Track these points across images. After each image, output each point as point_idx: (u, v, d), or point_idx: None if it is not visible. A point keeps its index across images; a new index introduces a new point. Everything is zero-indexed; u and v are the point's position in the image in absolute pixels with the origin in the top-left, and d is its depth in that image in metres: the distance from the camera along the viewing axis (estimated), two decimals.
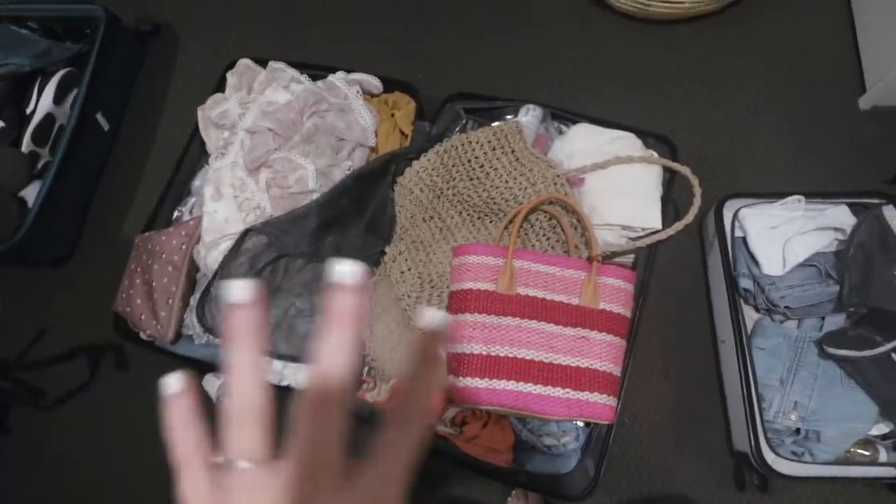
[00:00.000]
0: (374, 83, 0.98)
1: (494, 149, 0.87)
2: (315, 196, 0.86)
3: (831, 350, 0.78)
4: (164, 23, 1.35)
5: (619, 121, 0.91)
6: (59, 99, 1.10)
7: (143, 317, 0.90)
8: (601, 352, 0.74)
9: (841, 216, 0.88)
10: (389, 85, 1.00)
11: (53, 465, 1.04)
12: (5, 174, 1.07)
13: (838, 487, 0.82)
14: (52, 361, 1.07)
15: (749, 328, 0.86)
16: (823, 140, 1.02)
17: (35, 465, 1.05)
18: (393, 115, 0.97)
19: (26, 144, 1.08)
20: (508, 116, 0.93)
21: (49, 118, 1.10)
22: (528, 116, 0.91)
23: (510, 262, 0.75)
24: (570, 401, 0.71)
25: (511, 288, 0.74)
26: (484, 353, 0.72)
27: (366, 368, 0.85)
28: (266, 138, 0.87)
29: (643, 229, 0.83)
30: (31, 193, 1.09)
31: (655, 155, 0.87)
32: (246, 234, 0.85)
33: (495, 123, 0.89)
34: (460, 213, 0.88)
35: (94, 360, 1.07)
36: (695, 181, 0.84)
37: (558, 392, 0.72)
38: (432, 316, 0.25)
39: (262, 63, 1.00)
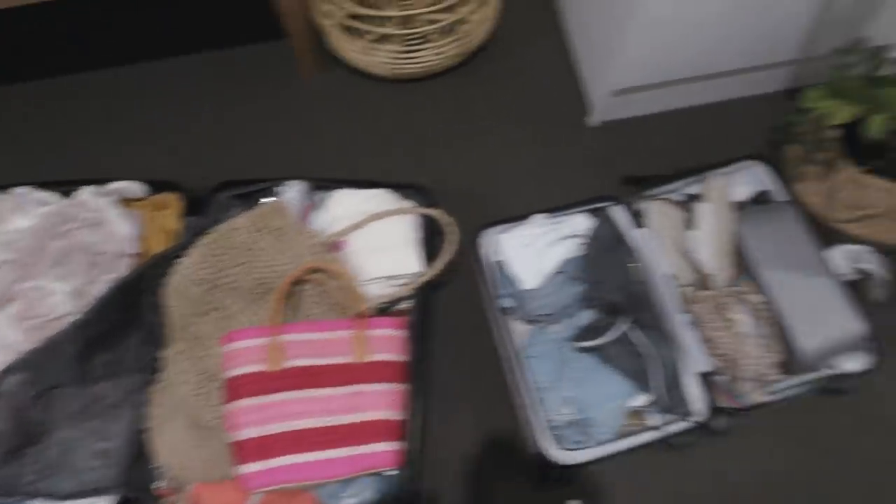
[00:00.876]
0: (135, 188, 0.98)
1: (259, 230, 0.90)
2: (72, 319, 0.83)
3: (578, 344, 0.88)
4: None
5: (387, 179, 0.98)
6: None
7: None
8: (376, 402, 0.78)
9: (579, 223, 1.01)
10: (156, 186, 1.01)
11: None
12: None
13: (630, 459, 0.88)
14: None
15: (523, 341, 0.94)
16: (563, 161, 1.18)
17: None
18: (153, 218, 0.97)
19: None
20: (267, 196, 0.97)
21: None
22: (292, 193, 0.96)
23: (275, 339, 0.77)
24: (352, 458, 0.74)
25: (279, 363, 0.77)
26: (259, 434, 0.73)
27: (157, 483, 0.82)
28: (8, 269, 0.83)
29: (406, 274, 0.89)
30: None
31: (409, 205, 0.95)
32: (1, 377, 0.80)
33: (255, 207, 0.93)
34: (237, 300, 0.89)
35: None
36: (447, 220, 0.93)
37: (340, 452, 0.74)
38: None
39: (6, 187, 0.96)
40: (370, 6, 1.12)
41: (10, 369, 0.80)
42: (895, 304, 0.99)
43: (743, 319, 0.94)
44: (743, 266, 0.98)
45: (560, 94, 1.25)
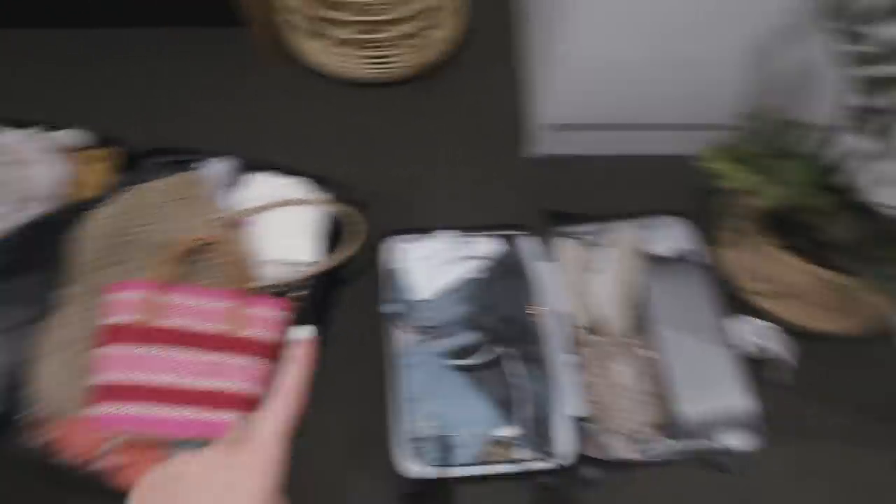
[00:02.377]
0: (74, 137, 1.04)
1: (171, 195, 0.96)
2: None
3: (451, 360, 0.92)
4: None
5: (315, 173, 1.04)
6: None
7: None
8: (237, 373, 0.82)
9: (487, 247, 1.05)
10: (102, 141, 1.07)
11: None
12: None
13: (494, 490, 0.90)
14: None
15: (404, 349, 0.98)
16: (494, 185, 1.22)
17: None
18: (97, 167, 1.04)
19: None
20: (195, 167, 1.03)
21: None
22: (216, 168, 1.02)
23: (157, 296, 0.83)
24: (199, 421, 0.79)
25: (153, 320, 0.82)
26: (119, 380, 0.78)
27: (26, 411, 0.87)
28: None
29: (300, 262, 0.95)
30: None
31: (316, 196, 1.00)
32: None
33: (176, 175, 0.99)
34: (143, 257, 0.95)
35: None
36: (353, 218, 0.98)
37: (187, 413, 0.79)
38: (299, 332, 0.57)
39: None
40: (330, 9, 1.18)
41: None
42: (792, 390, 0.97)
43: (624, 371, 0.96)
44: (641, 320, 1.00)
45: (506, 121, 1.29)
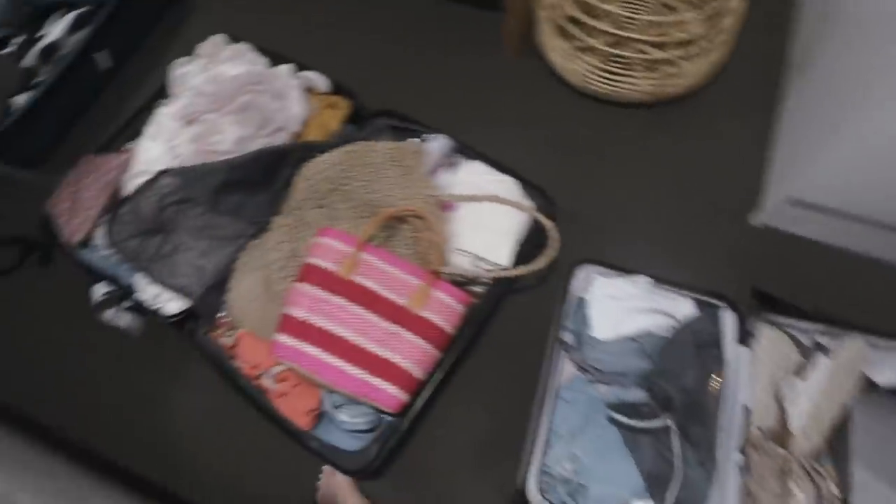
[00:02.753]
0: (321, 82, 1.12)
1: (392, 160, 0.98)
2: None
3: (614, 414, 0.84)
4: None
5: (523, 173, 1.01)
6: (72, 31, 1.28)
7: (63, 219, 1.03)
8: (407, 351, 0.83)
9: (682, 307, 0.95)
10: (339, 89, 1.14)
11: None
12: None
13: None
14: None
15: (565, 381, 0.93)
16: (706, 241, 1.10)
17: None
18: (330, 113, 1.10)
19: (27, 60, 1.25)
20: (419, 139, 1.05)
21: (55, 45, 1.27)
22: (437, 143, 1.03)
23: (357, 253, 0.85)
24: (364, 382, 0.80)
25: (349, 273, 0.85)
26: (305, 318, 0.82)
27: (223, 312, 0.96)
28: (204, 100, 1.01)
29: (493, 263, 0.92)
30: (19, 101, 1.25)
31: (527, 204, 0.97)
32: (162, 173, 0.98)
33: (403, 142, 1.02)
34: (348, 208, 0.99)
35: (26, 252, 1.21)
36: (553, 234, 0.94)
37: (355, 371, 0.81)
38: None
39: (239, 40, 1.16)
40: (589, 14, 1.13)
41: (170, 172, 0.99)
42: None
43: (800, 498, 0.83)
44: (834, 449, 0.85)
45: (738, 176, 1.15)
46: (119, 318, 1.03)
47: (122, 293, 1.01)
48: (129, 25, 1.40)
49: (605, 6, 1.08)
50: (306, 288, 0.84)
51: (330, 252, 0.86)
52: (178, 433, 1.03)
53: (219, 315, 0.96)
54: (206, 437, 1.02)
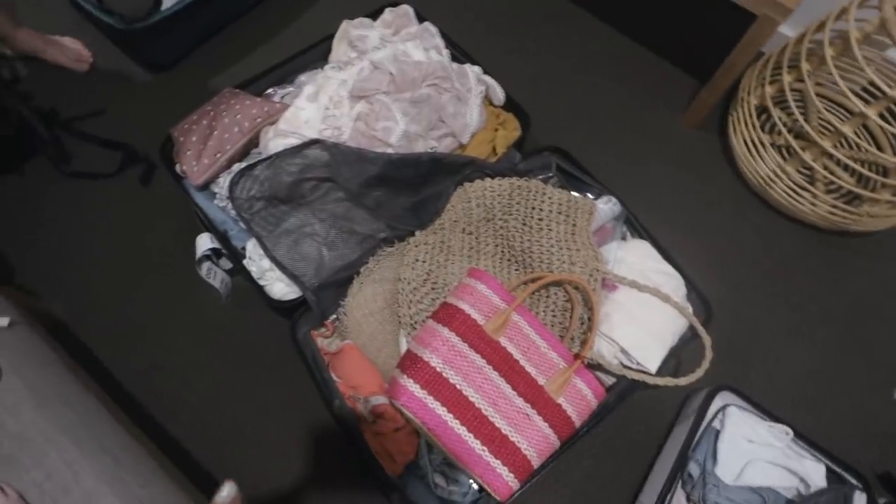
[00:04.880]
0: (500, 95, 1.01)
1: (560, 213, 0.88)
2: (390, 152, 0.89)
3: None
4: None
5: (686, 266, 0.91)
6: None
7: (188, 152, 0.94)
8: (533, 437, 0.74)
9: (815, 473, 0.86)
10: (512, 105, 1.03)
11: (38, 226, 1.08)
12: None
13: None
14: (94, 140, 1.12)
15: None
16: (870, 406, 1.00)
17: (23, 216, 1.09)
18: (497, 129, 1.00)
19: None
20: (590, 195, 0.95)
21: None
22: (608, 206, 0.93)
23: (509, 311, 0.76)
24: (480, 458, 0.71)
25: (497, 333, 0.75)
26: (439, 369, 0.73)
27: (333, 316, 0.87)
28: (383, 79, 0.90)
29: (637, 363, 0.83)
30: (167, 2, 1.15)
31: (690, 309, 0.87)
32: (314, 142, 0.88)
33: (574, 193, 0.91)
34: (496, 245, 0.90)
35: (127, 162, 1.12)
36: (708, 354, 0.84)
37: (475, 444, 0.72)
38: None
39: (422, 18, 1.04)
40: (787, 111, 1.01)
41: (322, 144, 0.89)
42: None
43: None
44: None
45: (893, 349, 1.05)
46: (214, 276, 0.94)
47: (228, 253, 0.91)
48: None
49: (820, 118, 0.97)
50: (447, 334, 0.74)
51: (481, 301, 0.76)
52: (240, 419, 0.94)
53: (328, 315, 0.87)
54: (270, 439, 0.93)
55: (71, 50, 1.20)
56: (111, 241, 1.07)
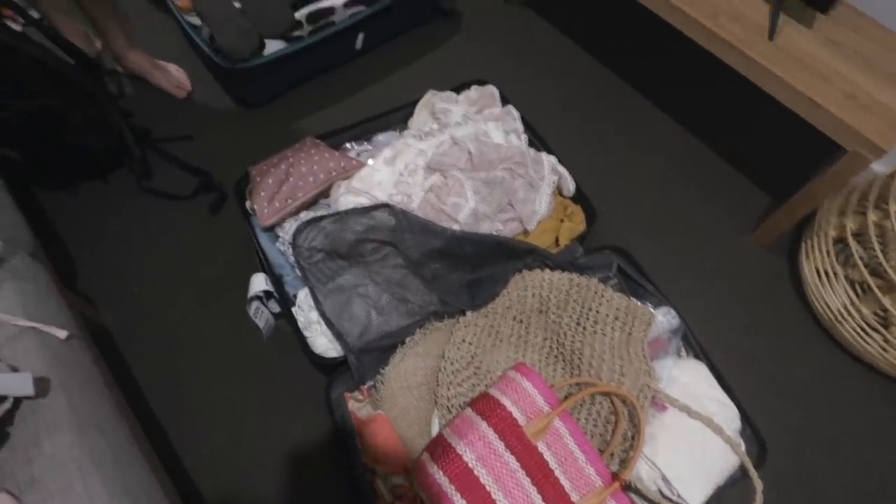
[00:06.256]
0: (570, 186, 1.01)
1: (617, 318, 0.86)
2: (455, 227, 0.90)
3: None
4: (460, 12, 1.50)
5: (741, 397, 0.86)
6: (347, 5, 1.24)
7: (262, 193, 0.97)
8: None
9: None
10: (580, 198, 1.03)
11: (108, 234, 1.13)
12: (267, 15, 1.21)
13: None
14: (177, 162, 1.18)
15: None
16: None
17: (97, 223, 1.14)
18: (563, 220, 0.99)
19: (299, 14, 1.22)
20: (649, 303, 0.92)
21: (328, 10, 1.23)
22: (665, 318, 0.90)
23: (553, 416, 0.73)
24: None
25: (536, 437, 0.72)
26: (470, 465, 0.70)
27: (371, 382, 0.85)
28: (461, 156, 0.92)
29: (678, 495, 0.77)
30: (272, 46, 1.22)
31: (742, 447, 0.81)
32: (384, 206, 0.90)
33: (633, 299, 0.89)
34: (545, 339, 0.87)
35: (202, 188, 1.17)
36: (758, 501, 0.78)
37: None
38: None
39: (505, 99, 1.07)
40: (885, 255, 0.97)
41: (391, 210, 0.90)
42: None
43: None
44: None
45: None
46: (260, 316, 0.95)
47: (279, 298, 0.93)
48: (396, 21, 1.36)
49: None
50: (484, 428, 0.72)
51: (525, 400, 0.74)
52: (260, 462, 0.93)
53: (366, 381, 0.85)
54: (287, 490, 0.91)
55: (174, 77, 1.29)
56: (170, 261, 1.10)
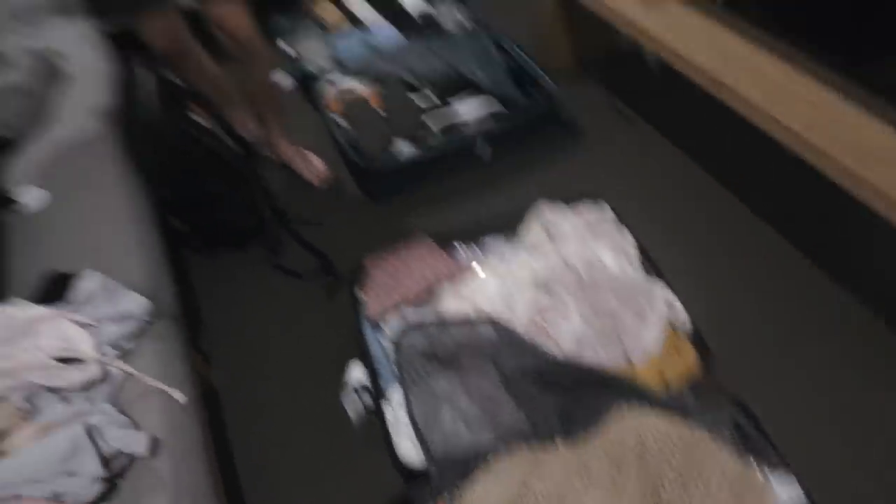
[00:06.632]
0: (685, 322, 0.95)
1: (732, 491, 0.76)
2: (557, 351, 0.88)
3: None
4: (581, 126, 1.56)
5: None
6: (476, 113, 1.34)
7: (374, 287, 1.03)
8: None
9: None
10: (697, 339, 0.96)
11: (235, 299, 1.25)
12: (403, 123, 1.33)
13: None
14: (304, 244, 1.28)
15: None
16: None
17: (228, 287, 1.27)
18: (673, 358, 0.93)
19: (435, 127, 1.34)
20: (766, 469, 0.81)
21: (461, 125, 1.34)
22: (784, 489, 0.78)
23: None
24: None
25: None
26: None
27: (447, 495, 0.82)
28: (571, 278, 0.92)
29: None
30: (402, 147, 1.34)
31: None
32: (488, 322, 0.91)
33: (751, 461, 0.79)
34: (643, 491, 0.79)
35: (322, 271, 1.25)
36: None
37: None
38: None
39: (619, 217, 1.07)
40: None
41: (495, 325, 0.90)
42: None
43: None
44: None
45: None
46: (353, 405, 0.97)
47: (373, 392, 0.94)
48: (520, 135, 1.44)
49: None
50: None
51: None
52: None
53: (443, 495, 0.83)
54: None
55: (315, 167, 1.44)
56: (281, 333, 1.18)
